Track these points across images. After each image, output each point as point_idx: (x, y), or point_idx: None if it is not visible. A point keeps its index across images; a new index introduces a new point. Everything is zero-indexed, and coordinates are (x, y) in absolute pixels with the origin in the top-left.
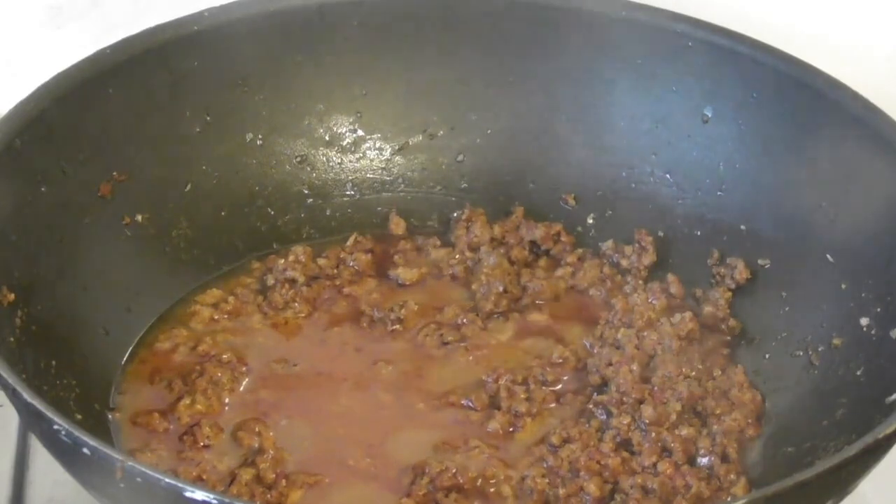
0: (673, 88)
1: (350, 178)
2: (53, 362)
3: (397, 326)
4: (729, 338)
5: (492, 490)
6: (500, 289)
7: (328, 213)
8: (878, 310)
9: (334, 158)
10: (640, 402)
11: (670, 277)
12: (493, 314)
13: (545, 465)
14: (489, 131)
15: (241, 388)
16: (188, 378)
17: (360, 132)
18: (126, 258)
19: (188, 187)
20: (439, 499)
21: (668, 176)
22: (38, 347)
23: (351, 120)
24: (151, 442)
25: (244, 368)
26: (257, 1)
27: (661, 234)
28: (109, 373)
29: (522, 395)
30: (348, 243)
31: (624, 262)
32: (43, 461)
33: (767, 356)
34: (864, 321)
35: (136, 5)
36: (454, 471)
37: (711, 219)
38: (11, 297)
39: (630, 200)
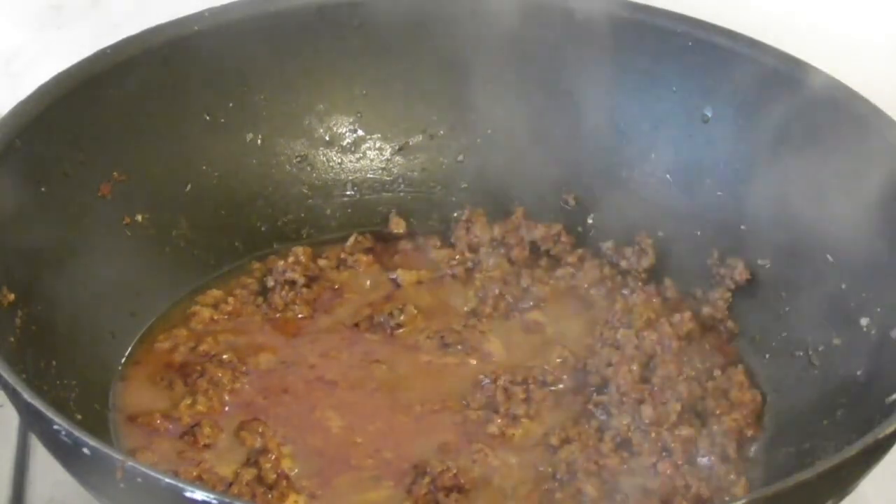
0: (673, 88)
1: (350, 178)
2: (53, 362)
3: (397, 329)
4: (729, 338)
5: (492, 490)
6: (497, 291)
7: (328, 213)
8: (878, 310)
9: (334, 158)
10: (640, 402)
11: (668, 282)
12: (493, 315)
13: (544, 466)
14: (489, 131)
15: (242, 389)
16: (189, 378)
17: (360, 132)
18: (126, 258)
19: (188, 187)
20: (440, 499)
21: (668, 176)
22: (38, 347)
23: (351, 120)
24: (151, 442)
25: (244, 368)
26: (257, 1)
27: (660, 234)
28: (109, 373)
29: (521, 396)
30: (348, 243)
31: (623, 264)
32: (43, 461)
33: (767, 356)
34: (864, 321)
35: (136, 5)
36: (455, 471)
37: (711, 219)
38: (11, 297)
39: (630, 201)
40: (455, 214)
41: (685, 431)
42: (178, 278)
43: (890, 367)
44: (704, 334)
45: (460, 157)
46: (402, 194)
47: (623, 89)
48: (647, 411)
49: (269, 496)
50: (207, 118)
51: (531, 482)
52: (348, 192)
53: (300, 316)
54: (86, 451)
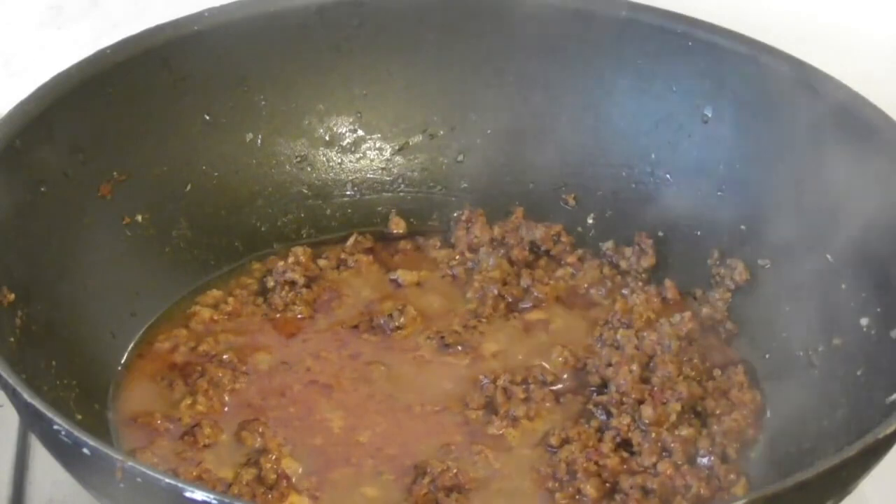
0: (673, 88)
1: (350, 178)
2: (53, 362)
3: (397, 330)
4: (729, 338)
5: (492, 491)
6: (497, 291)
7: (328, 213)
8: (878, 310)
9: (334, 158)
10: (640, 402)
11: (668, 282)
12: (493, 315)
13: (544, 467)
14: (489, 131)
15: (242, 389)
16: (189, 378)
17: (360, 132)
18: (126, 258)
19: (188, 187)
20: (440, 499)
21: (668, 176)
22: (38, 347)
23: (351, 120)
24: (151, 442)
25: (244, 368)
26: (257, 1)
27: (660, 234)
28: (109, 373)
29: (521, 396)
30: (348, 243)
31: (623, 264)
32: (43, 461)
33: (767, 356)
34: (864, 321)
35: (136, 5)
36: (455, 471)
37: (711, 219)
38: (11, 297)
39: (630, 200)
40: (455, 214)
41: (685, 431)
42: (178, 278)
43: (890, 367)
44: (704, 334)
45: (460, 157)
46: (402, 194)
47: (623, 89)
48: (647, 411)
49: (269, 496)
50: (207, 118)
51: (531, 482)
52: (348, 192)
53: (300, 316)
54: (86, 451)
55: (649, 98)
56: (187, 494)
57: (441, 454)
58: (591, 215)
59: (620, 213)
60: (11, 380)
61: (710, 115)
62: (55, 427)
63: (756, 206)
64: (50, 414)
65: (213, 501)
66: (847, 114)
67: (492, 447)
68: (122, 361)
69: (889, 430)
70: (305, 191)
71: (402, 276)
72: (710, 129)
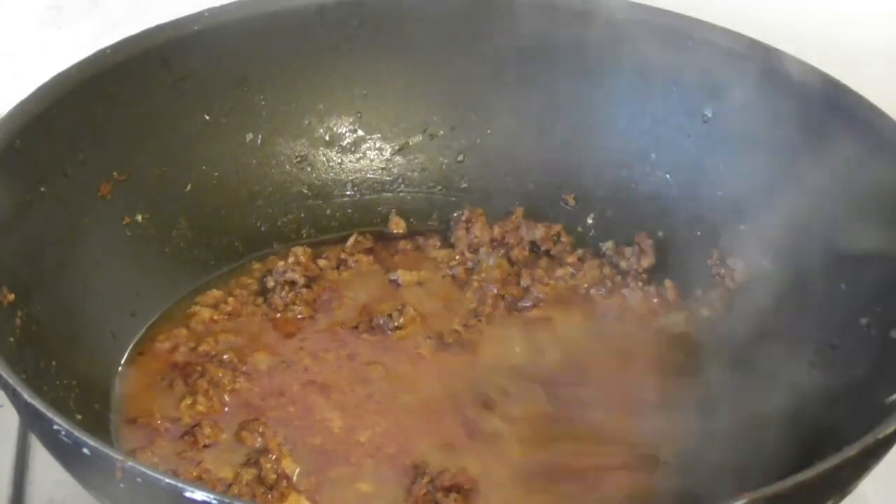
0: (673, 88)
1: (350, 178)
2: (53, 362)
3: (397, 330)
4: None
5: (492, 490)
6: (497, 291)
7: (328, 213)
8: (878, 310)
9: (334, 158)
10: None
11: (668, 283)
12: (493, 315)
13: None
14: (489, 131)
15: (242, 389)
16: (189, 378)
17: (360, 132)
18: (126, 258)
19: (188, 187)
20: (439, 499)
21: (668, 176)
22: (38, 347)
23: (351, 120)
24: (151, 442)
25: (244, 368)
26: (257, 1)
27: (660, 234)
28: (109, 373)
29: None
30: (348, 243)
31: (623, 264)
32: (43, 461)
33: (768, 356)
34: (864, 321)
35: (136, 5)
36: (454, 471)
37: (711, 219)
38: (11, 297)
39: (630, 200)
40: (455, 214)
41: None
42: (178, 278)
43: (890, 367)
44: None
45: (460, 157)
46: (402, 194)
47: (623, 89)
48: None
49: (269, 496)
50: (207, 118)
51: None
52: (348, 192)
53: (300, 316)
54: (86, 451)
55: (649, 98)
56: (187, 494)
57: (440, 454)
58: (591, 215)
59: (620, 213)
60: (11, 380)
61: (710, 115)
62: (55, 427)
63: (756, 206)
64: (50, 414)
65: (213, 501)
66: (847, 114)
67: (491, 447)
68: (122, 361)
69: (889, 430)
70: (305, 191)
71: (402, 276)
72: (710, 129)
